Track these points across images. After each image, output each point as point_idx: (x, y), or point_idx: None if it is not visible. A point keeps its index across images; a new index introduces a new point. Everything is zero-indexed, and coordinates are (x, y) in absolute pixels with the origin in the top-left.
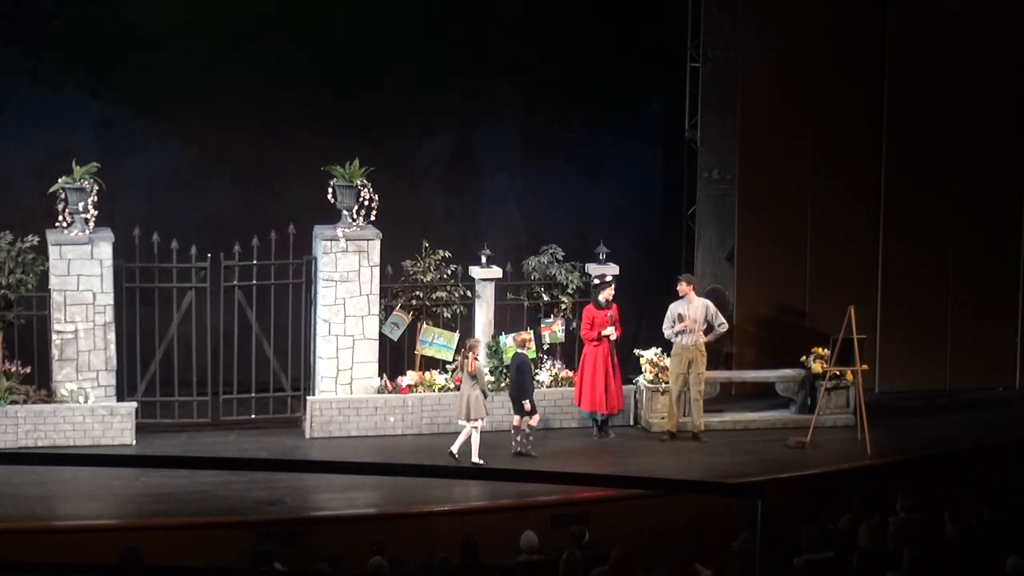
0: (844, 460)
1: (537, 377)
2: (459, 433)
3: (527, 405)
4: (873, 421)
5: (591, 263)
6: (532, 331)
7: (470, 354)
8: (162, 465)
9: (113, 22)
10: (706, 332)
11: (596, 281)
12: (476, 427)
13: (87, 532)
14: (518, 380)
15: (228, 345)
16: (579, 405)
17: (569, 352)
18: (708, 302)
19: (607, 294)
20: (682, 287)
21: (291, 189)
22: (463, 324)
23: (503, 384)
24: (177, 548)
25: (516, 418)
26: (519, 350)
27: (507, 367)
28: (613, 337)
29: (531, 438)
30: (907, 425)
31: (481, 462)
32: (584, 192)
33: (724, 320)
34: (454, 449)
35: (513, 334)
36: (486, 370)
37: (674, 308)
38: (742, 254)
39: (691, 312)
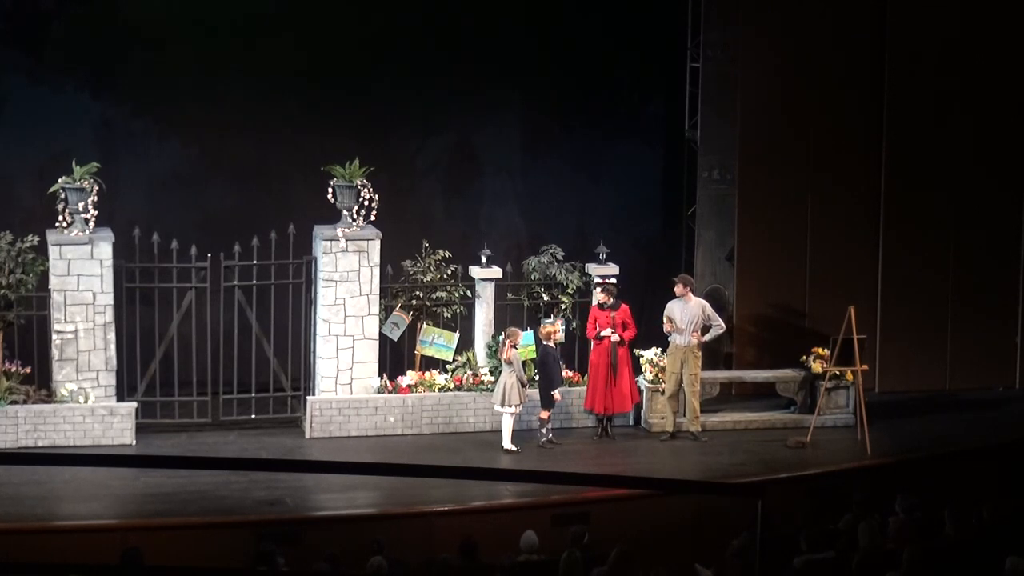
0: (844, 460)
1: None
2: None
3: (557, 396)
4: (873, 421)
5: (591, 263)
6: (559, 323)
7: (507, 342)
8: (162, 465)
9: (113, 22)
10: (703, 332)
11: (596, 283)
12: (511, 413)
13: (87, 532)
14: (545, 373)
15: (228, 345)
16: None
17: (569, 353)
18: (705, 303)
19: (599, 297)
20: (678, 288)
21: (291, 189)
22: (463, 324)
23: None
24: (177, 548)
25: (544, 411)
26: (544, 342)
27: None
28: (614, 339)
29: (544, 429)
30: (907, 425)
31: (513, 448)
32: (584, 192)
33: (721, 322)
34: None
35: (540, 325)
36: (486, 369)
37: (669, 308)
38: (742, 254)
39: (686, 312)
